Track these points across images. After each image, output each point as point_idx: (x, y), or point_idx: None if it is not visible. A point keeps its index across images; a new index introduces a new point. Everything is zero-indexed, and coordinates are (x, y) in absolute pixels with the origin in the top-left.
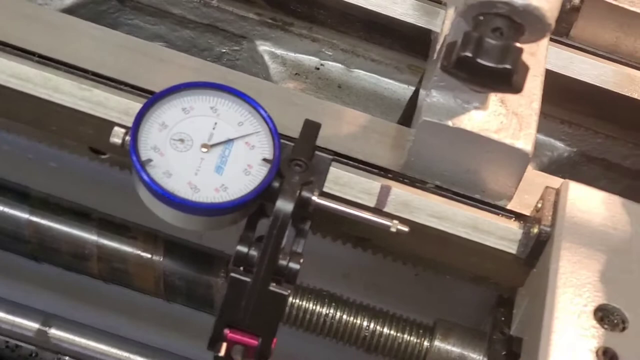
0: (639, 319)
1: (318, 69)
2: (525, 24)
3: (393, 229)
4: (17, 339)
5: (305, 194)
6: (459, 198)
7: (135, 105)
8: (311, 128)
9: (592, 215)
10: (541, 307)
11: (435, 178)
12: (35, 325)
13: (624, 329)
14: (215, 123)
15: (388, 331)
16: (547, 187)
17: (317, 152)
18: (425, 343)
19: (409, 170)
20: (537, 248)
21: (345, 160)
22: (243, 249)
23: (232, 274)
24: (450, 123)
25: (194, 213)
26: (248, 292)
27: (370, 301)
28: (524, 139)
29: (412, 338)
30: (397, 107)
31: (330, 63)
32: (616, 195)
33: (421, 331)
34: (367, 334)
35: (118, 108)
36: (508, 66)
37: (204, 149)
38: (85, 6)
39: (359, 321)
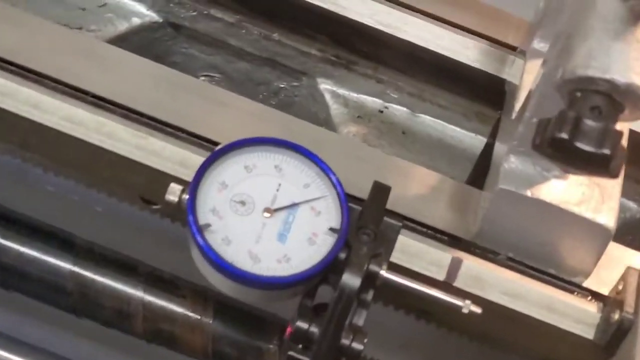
0: None
1: (382, 112)
2: (626, 103)
3: (465, 310)
4: None
5: (373, 267)
6: (532, 272)
7: (191, 156)
8: (380, 191)
9: None
10: None
11: (509, 249)
12: None
13: None
14: (280, 184)
15: None
16: (629, 268)
17: (385, 218)
18: None
19: (481, 240)
20: (618, 336)
21: (413, 225)
22: (303, 325)
23: (291, 353)
24: (529, 193)
25: (253, 286)
26: None
27: None
28: (607, 213)
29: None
30: (463, 156)
31: (394, 106)
32: None
33: None
34: None
35: (173, 159)
36: (607, 152)
37: (267, 214)
38: (138, 33)
39: None
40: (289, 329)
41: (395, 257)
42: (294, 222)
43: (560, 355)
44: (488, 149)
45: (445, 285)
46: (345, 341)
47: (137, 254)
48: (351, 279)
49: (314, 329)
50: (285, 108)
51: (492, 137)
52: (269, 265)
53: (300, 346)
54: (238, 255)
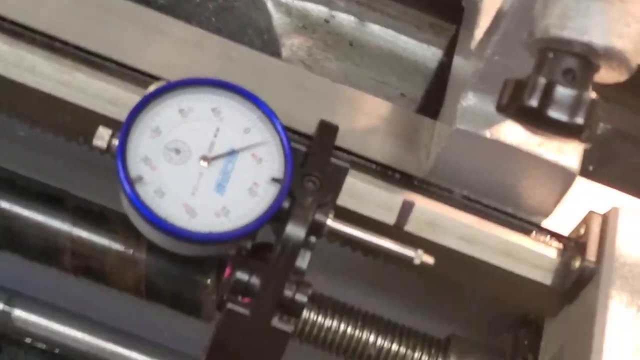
0: None
1: (327, 21)
2: (604, 66)
3: (417, 261)
4: None
5: (319, 217)
6: (489, 212)
7: (122, 94)
8: (327, 132)
9: None
10: None
11: (464, 188)
12: None
13: None
14: (218, 129)
15: (397, 348)
16: (592, 213)
17: (331, 160)
18: None
19: (434, 177)
20: (578, 285)
21: (362, 162)
22: (243, 276)
23: (229, 305)
24: (488, 134)
25: (189, 242)
26: (246, 327)
27: (374, 300)
28: (571, 153)
29: (423, 357)
30: (416, 70)
31: (341, 15)
32: None
33: (433, 350)
34: (373, 352)
35: (102, 96)
36: (580, 121)
37: (204, 163)
38: None
39: (364, 336)
40: (228, 270)
41: (342, 200)
42: (233, 171)
43: (517, 300)
44: (444, 66)
45: (396, 231)
46: (288, 293)
47: (64, 184)
48: (295, 231)
49: (255, 281)
50: (222, 13)
51: (448, 53)
52: (206, 219)
53: (240, 298)
54: (173, 209)
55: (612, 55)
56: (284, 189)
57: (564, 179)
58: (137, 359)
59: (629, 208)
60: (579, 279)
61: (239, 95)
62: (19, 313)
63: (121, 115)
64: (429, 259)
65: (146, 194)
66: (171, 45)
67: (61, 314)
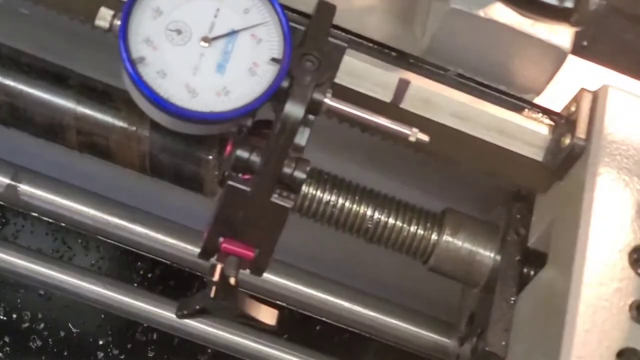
0: None
1: None
2: None
3: (412, 139)
4: None
5: (317, 96)
6: (482, 89)
7: None
8: (325, 12)
9: (634, 130)
10: (572, 240)
11: (458, 66)
12: (4, 181)
13: None
14: (218, 9)
15: (393, 221)
16: (583, 90)
17: (329, 39)
18: (433, 237)
19: (429, 56)
20: (568, 161)
21: (358, 41)
22: (243, 154)
23: (230, 182)
24: (482, 13)
25: (191, 121)
26: (247, 203)
27: (371, 175)
28: (563, 33)
29: (419, 230)
30: None
31: None
32: None
33: (429, 223)
34: (370, 224)
35: None
36: (570, 5)
37: (204, 43)
38: None
39: (362, 209)
40: (229, 147)
41: (340, 78)
42: (233, 51)
43: (509, 176)
44: None
45: (392, 108)
46: (287, 170)
47: (68, 61)
48: (294, 109)
49: (255, 158)
50: None
51: None
52: (207, 99)
53: (240, 175)
54: (174, 89)
55: None
56: (283, 68)
57: (556, 57)
58: (142, 231)
59: (620, 85)
60: (568, 155)
61: None
62: (25, 187)
63: None
64: (424, 137)
65: (148, 74)
66: None
67: (67, 189)
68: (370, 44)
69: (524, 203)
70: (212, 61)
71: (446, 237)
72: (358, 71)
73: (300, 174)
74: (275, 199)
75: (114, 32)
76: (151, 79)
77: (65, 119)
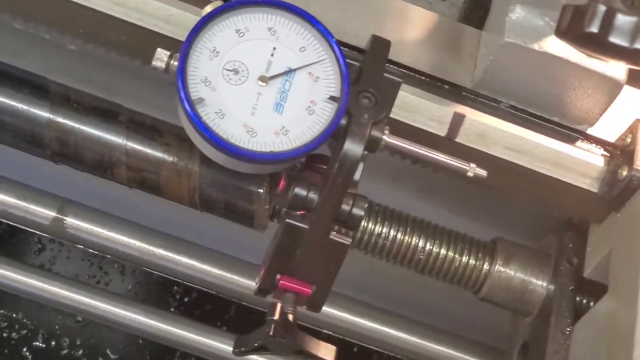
0: None
1: None
2: None
3: (470, 174)
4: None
5: (375, 133)
6: (535, 121)
7: (177, 12)
8: (380, 47)
9: None
10: (634, 273)
11: (511, 98)
12: (51, 214)
13: None
14: (274, 48)
15: (445, 252)
16: (637, 121)
17: (384, 74)
18: (485, 267)
19: (482, 88)
20: (626, 193)
21: (411, 74)
22: (301, 191)
23: (288, 220)
24: (536, 46)
25: (250, 162)
26: (305, 240)
27: (419, 203)
28: (618, 64)
29: (470, 260)
30: None
31: None
32: None
33: (480, 253)
34: (421, 256)
35: (157, 14)
36: None
37: (262, 82)
38: None
39: (413, 241)
40: (282, 182)
41: (395, 114)
42: (290, 90)
43: (564, 208)
44: None
45: (447, 142)
46: (345, 207)
47: (115, 96)
48: (353, 148)
49: (313, 196)
50: None
51: None
52: (266, 139)
53: (298, 213)
54: (233, 130)
55: None
56: (341, 107)
57: (611, 89)
58: (187, 262)
59: None
60: (626, 187)
61: (294, 14)
62: (71, 220)
63: (176, 33)
64: (482, 172)
65: (207, 115)
66: None
67: (112, 221)
68: (423, 77)
69: (576, 232)
70: (270, 100)
71: (498, 267)
72: (413, 106)
73: (358, 211)
74: (333, 236)
75: (171, 73)
76: (210, 120)
77: (115, 155)
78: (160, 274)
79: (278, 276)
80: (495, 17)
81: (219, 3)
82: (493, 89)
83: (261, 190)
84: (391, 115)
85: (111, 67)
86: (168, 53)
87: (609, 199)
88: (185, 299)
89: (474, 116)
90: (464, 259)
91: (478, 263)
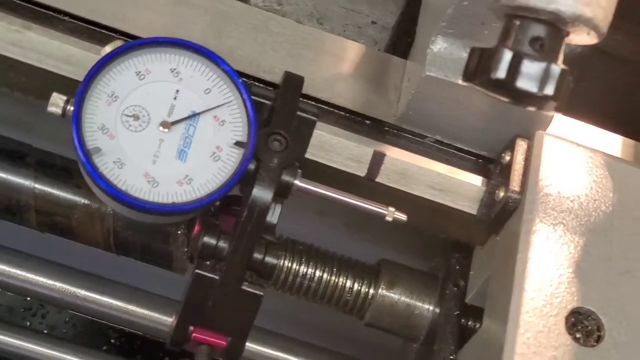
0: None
1: None
2: (572, 32)
3: (389, 218)
4: None
5: (285, 178)
6: (462, 155)
7: (76, 51)
8: (293, 84)
9: (570, 181)
10: (505, 304)
11: (436, 132)
12: None
13: (599, 339)
14: (177, 91)
15: (327, 277)
16: (517, 138)
17: (297, 112)
18: (369, 290)
19: (406, 123)
20: (503, 215)
21: (328, 109)
22: (211, 240)
23: (197, 270)
24: (459, 80)
25: (152, 214)
26: (216, 291)
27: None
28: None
29: (354, 285)
30: None
31: None
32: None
33: (363, 277)
34: (307, 282)
35: (56, 55)
36: (550, 92)
37: (164, 128)
38: None
39: (302, 269)
40: (197, 227)
41: (311, 154)
42: (194, 135)
43: (446, 230)
44: None
45: (368, 183)
46: (257, 255)
47: (24, 133)
48: (262, 194)
49: (223, 245)
50: None
51: None
52: (168, 189)
53: (208, 263)
54: (133, 180)
55: (581, 23)
56: (248, 153)
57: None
58: (111, 303)
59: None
60: (503, 209)
61: (198, 54)
62: None
63: (77, 74)
64: (402, 216)
65: (105, 165)
66: None
67: (31, 261)
68: (343, 113)
69: (464, 253)
70: (173, 147)
71: (381, 291)
72: (330, 145)
73: (271, 260)
74: (246, 286)
75: (68, 118)
76: (108, 170)
77: (24, 199)
78: (83, 315)
79: (191, 328)
80: (418, 48)
81: (119, 43)
82: (417, 124)
83: (179, 232)
84: (307, 155)
85: (20, 103)
86: (64, 98)
87: (488, 222)
88: (126, 331)
89: (395, 154)
90: (347, 283)
91: (361, 287)
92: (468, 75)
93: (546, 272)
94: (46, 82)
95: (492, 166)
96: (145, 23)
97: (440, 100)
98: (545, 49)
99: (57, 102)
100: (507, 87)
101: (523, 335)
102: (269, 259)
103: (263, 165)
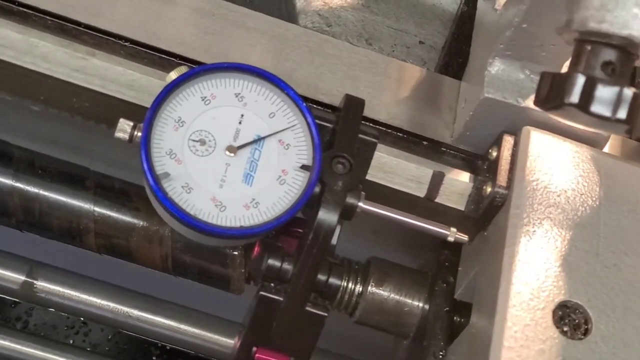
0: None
1: None
2: None
3: (451, 239)
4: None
5: (350, 200)
6: None
7: (139, 77)
8: (354, 107)
9: (556, 176)
10: (493, 299)
11: None
12: (20, 277)
13: (586, 332)
14: (242, 115)
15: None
16: (504, 134)
17: (359, 135)
18: (358, 288)
19: (463, 144)
20: (490, 211)
21: (388, 131)
22: (275, 262)
23: (262, 292)
24: (518, 101)
25: (220, 237)
26: (280, 312)
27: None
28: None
29: (343, 282)
30: (434, 15)
31: None
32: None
33: (353, 275)
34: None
35: (119, 81)
36: (623, 117)
37: (230, 153)
38: None
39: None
40: (257, 248)
41: (371, 175)
42: (260, 159)
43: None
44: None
45: (428, 203)
46: (321, 277)
47: (83, 156)
48: (328, 217)
49: (287, 267)
50: None
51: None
52: (235, 212)
53: (273, 285)
54: (201, 204)
55: None
56: (314, 176)
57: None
58: (164, 322)
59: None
60: (490, 205)
61: (262, 79)
62: (41, 284)
63: (140, 99)
64: (463, 237)
65: (173, 190)
66: (183, 17)
67: (84, 282)
68: (400, 134)
69: (452, 250)
70: (239, 171)
71: (371, 288)
72: (389, 166)
73: (335, 281)
74: (309, 307)
75: (135, 143)
76: (177, 195)
77: (83, 222)
78: (135, 335)
79: (254, 349)
80: (473, 69)
81: (185, 69)
82: (474, 145)
83: (236, 253)
84: (367, 177)
85: (78, 127)
86: (131, 124)
87: (475, 217)
88: (168, 347)
89: (454, 174)
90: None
91: (350, 285)
92: (540, 100)
93: (533, 266)
94: (108, 107)
95: (479, 162)
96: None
97: (499, 120)
98: (616, 73)
99: (124, 128)
100: (580, 112)
101: (510, 329)
102: (332, 280)
103: (328, 188)
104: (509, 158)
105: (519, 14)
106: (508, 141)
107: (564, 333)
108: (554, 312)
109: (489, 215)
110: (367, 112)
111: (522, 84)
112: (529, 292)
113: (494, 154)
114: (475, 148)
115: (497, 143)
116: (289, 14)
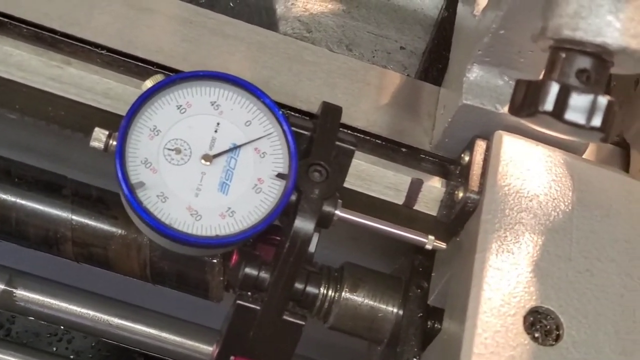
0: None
1: None
2: (617, 63)
3: (429, 246)
4: None
5: (327, 208)
6: None
7: (114, 85)
8: (331, 114)
9: (529, 181)
10: (463, 304)
11: None
12: None
13: (557, 337)
14: (218, 124)
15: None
16: (476, 138)
17: (336, 143)
18: (331, 294)
19: (442, 150)
20: (462, 217)
21: (366, 137)
22: (252, 271)
23: (239, 301)
24: (496, 108)
25: (195, 246)
26: (258, 321)
27: None
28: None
29: (317, 289)
30: (415, 21)
31: None
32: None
33: (326, 280)
34: None
35: (95, 89)
36: (597, 124)
37: (205, 162)
38: None
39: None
40: (235, 256)
41: (349, 183)
42: (236, 167)
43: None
44: (444, 15)
45: (406, 210)
46: (298, 286)
47: (60, 163)
48: (304, 225)
49: (265, 275)
50: None
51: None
52: (211, 221)
53: (249, 294)
54: (177, 214)
55: (627, 55)
56: (290, 184)
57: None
58: (144, 330)
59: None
60: (462, 210)
61: (238, 87)
62: (21, 292)
63: (116, 107)
64: (441, 245)
65: (148, 199)
66: (162, 25)
67: (64, 290)
68: (379, 141)
69: (426, 255)
70: (215, 180)
71: (345, 294)
72: (367, 174)
73: (313, 289)
74: (287, 316)
75: (110, 152)
76: (152, 204)
77: (61, 231)
78: (117, 343)
79: (232, 358)
80: (453, 75)
81: (160, 77)
82: (453, 151)
83: (215, 261)
84: (345, 185)
85: (54, 135)
86: (106, 133)
87: (448, 223)
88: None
89: (432, 182)
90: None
91: (323, 290)
92: (515, 108)
93: (504, 272)
94: (84, 115)
95: (452, 167)
96: (180, 56)
97: (477, 127)
98: (591, 81)
99: (99, 137)
100: (554, 119)
101: (481, 335)
102: (310, 289)
103: (304, 196)
104: (481, 163)
105: (496, 20)
106: (480, 146)
107: (535, 339)
108: (525, 318)
109: (461, 220)
110: (346, 119)
111: (500, 90)
112: (499, 298)
113: (467, 158)
114: (454, 155)
115: (470, 148)
116: (270, 21)
